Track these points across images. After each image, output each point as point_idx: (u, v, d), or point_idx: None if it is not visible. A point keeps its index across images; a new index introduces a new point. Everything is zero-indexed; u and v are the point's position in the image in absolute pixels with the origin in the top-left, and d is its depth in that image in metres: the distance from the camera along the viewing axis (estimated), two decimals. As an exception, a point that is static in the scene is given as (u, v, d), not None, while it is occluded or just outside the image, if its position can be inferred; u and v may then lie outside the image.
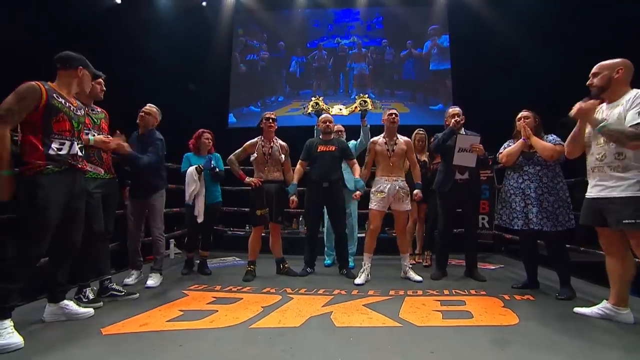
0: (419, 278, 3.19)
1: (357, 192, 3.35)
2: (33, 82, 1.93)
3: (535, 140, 2.73)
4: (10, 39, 4.87)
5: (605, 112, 2.11)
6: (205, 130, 3.62)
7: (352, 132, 3.84)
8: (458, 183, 3.22)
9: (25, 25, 5.18)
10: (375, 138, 3.38)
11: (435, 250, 3.66)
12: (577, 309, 2.30)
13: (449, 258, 3.49)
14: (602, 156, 2.06)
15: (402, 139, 3.32)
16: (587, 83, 2.17)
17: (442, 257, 3.40)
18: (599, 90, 2.11)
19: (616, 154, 2.01)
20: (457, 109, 3.30)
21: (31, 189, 1.88)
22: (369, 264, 3.22)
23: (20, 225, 1.91)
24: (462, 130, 3.23)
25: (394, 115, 3.30)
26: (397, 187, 3.20)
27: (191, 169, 3.37)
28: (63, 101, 2.02)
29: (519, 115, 2.88)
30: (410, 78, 7.20)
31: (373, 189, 3.26)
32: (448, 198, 3.28)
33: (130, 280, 3.11)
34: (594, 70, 2.15)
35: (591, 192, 2.15)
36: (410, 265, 3.35)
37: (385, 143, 3.27)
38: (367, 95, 4.10)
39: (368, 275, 3.19)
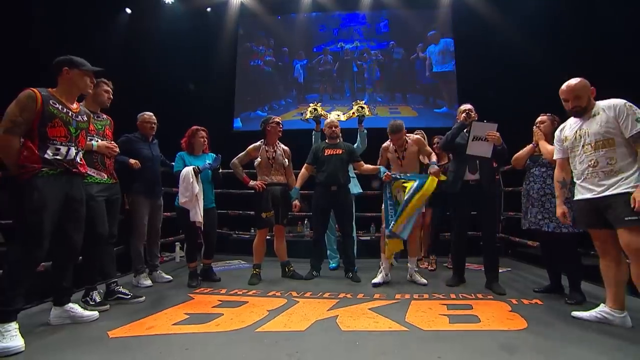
0: (424, 281, 3.17)
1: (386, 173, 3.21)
2: (30, 90, 1.95)
3: (542, 144, 2.77)
4: (23, 47, 4.98)
5: (583, 128, 2.20)
6: (199, 127, 3.31)
7: (350, 137, 3.86)
8: (469, 184, 3.04)
9: (40, 35, 5.27)
10: (386, 144, 3.37)
11: (451, 255, 3.50)
12: (575, 313, 2.29)
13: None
14: (594, 162, 2.13)
15: (410, 140, 3.30)
16: (572, 106, 2.21)
17: (458, 263, 3.23)
18: (583, 111, 2.20)
19: (608, 159, 2.08)
20: (468, 105, 3.18)
21: (27, 191, 1.90)
22: (386, 264, 3.22)
23: (18, 228, 1.93)
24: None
25: (409, 142, 3.27)
26: None
27: (188, 170, 3.04)
28: (60, 107, 2.03)
29: (536, 120, 2.90)
30: (416, 81, 7.20)
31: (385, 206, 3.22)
32: (459, 200, 3.10)
33: (147, 282, 3.17)
34: (574, 94, 2.19)
35: (585, 194, 2.17)
36: (417, 269, 3.30)
37: (396, 150, 3.28)
38: (363, 102, 4.15)
39: (386, 275, 3.19)
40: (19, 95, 1.94)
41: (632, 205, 1.92)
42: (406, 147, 3.27)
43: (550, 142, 2.70)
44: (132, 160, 3.00)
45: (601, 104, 2.16)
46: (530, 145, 2.89)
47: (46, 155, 1.97)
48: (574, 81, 2.22)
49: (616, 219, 2.02)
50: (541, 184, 2.76)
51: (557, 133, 2.42)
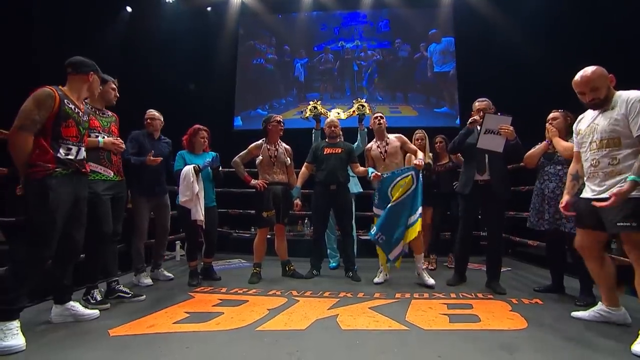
0: (431, 282, 3.05)
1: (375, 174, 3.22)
2: (48, 88, 1.95)
3: (556, 141, 2.67)
4: (24, 46, 4.99)
5: (596, 122, 2.04)
6: (201, 127, 3.31)
7: (350, 135, 3.86)
8: (478, 184, 2.93)
9: (40, 35, 5.27)
10: (368, 145, 3.43)
11: (454, 254, 3.47)
12: (575, 313, 2.29)
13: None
14: (595, 162, 2.04)
15: (392, 136, 3.34)
16: (590, 99, 2.01)
17: (461, 263, 3.21)
18: (602, 103, 2.01)
19: (610, 160, 1.97)
20: (484, 102, 3.00)
21: (41, 191, 1.89)
22: (383, 269, 3.25)
23: (29, 227, 1.92)
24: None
25: (379, 118, 3.36)
26: None
27: (188, 168, 3.04)
28: (73, 107, 2.04)
29: (548, 117, 2.81)
30: (416, 81, 7.19)
31: (375, 192, 3.28)
32: (468, 201, 3.02)
33: (148, 280, 3.17)
34: (590, 85, 1.98)
35: (587, 194, 2.11)
36: (424, 267, 3.20)
37: (378, 146, 3.33)
38: (364, 100, 4.13)
39: (386, 275, 3.23)
40: (36, 93, 1.92)
41: (609, 198, 1.84)
42: (388, 142, 3.31)
43: (564, 138, 2.65)
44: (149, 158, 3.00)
45: (621, 95, 1.95)
46: (544, 142, 2.80)
47: (59, 155, 1.97)
48: (589, 70, 1.99)
49: (609, 224, 1.96)
50: (557, 182, 2.68)
51: (575, 124, 2.25)
